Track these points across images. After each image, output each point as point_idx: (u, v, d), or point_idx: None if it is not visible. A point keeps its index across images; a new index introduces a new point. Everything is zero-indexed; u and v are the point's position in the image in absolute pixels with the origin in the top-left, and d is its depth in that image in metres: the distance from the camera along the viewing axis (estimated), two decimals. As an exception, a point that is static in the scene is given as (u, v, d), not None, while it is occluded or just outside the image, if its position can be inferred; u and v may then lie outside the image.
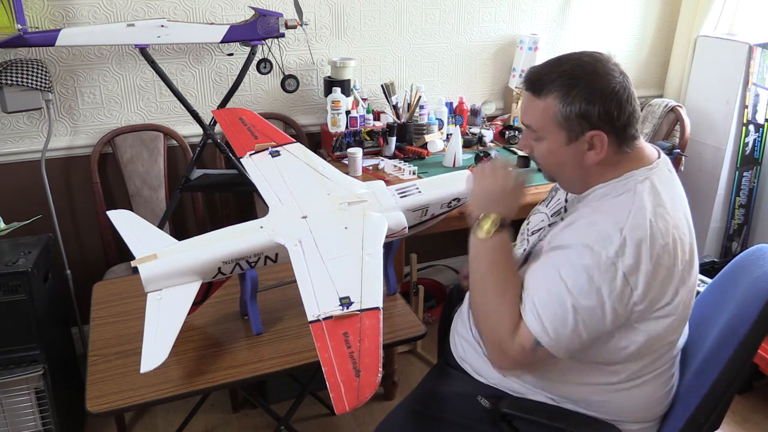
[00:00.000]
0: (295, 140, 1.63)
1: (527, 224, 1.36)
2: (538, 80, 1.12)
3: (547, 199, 1.39)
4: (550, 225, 1.26)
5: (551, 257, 1.12)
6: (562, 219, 1.22)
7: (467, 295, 1.46)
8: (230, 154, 2.21)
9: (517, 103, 2.72)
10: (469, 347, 1.33)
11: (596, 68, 1.10)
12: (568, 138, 1.11)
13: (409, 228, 1.44)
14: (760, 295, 1.17)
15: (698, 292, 1.34)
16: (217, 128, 2.23)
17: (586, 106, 1.08)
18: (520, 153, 2.41)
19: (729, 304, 1.27)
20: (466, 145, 2.49)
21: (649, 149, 1.18)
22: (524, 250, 1.27)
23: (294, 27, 2.14)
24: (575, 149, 1.12)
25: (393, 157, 2.40)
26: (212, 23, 2.14)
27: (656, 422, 1.26)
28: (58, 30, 1.89)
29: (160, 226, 2.18)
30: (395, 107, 2.47)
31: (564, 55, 1.15)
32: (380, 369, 1.06)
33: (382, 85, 2.45)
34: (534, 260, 1.18)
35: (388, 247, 1.49)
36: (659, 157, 1.17)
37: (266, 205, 1.44)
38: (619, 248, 1.04)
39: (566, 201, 1.28)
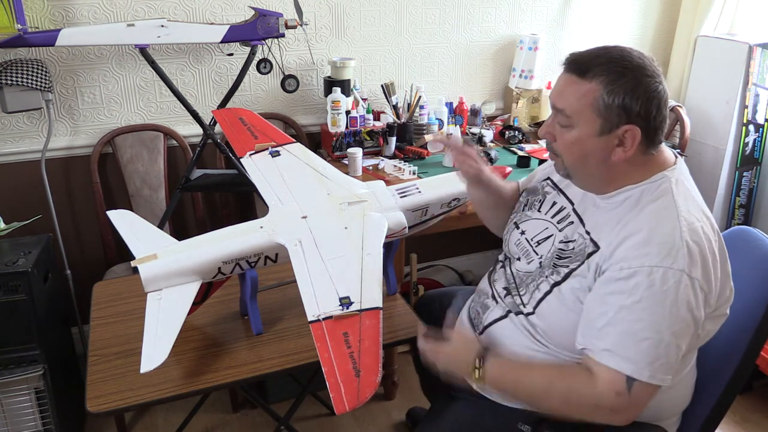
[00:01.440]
0: (295, 140, 1.63)
1: (522, 234, 1.30)
2: (585, 62, 1.07)
3: (534, 204, 1.33)
4: (561, 230, 1.20)
5: (617, 295, 1.05)
6: (586, 229, 1.15)
7: (464, 311, 1.42)
8: (230, 154, 2.21)
9: (517, 103, 2.72)
10: None
11: (644, 64, 1.06)
12: (602, 128, 1.07)
13: (409, 228, 1.44)
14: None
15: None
16: (217, 128, 2.23)
17: (630, 99, 1.04)
18: (520, 153, 2.41)
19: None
20: (466, 145, 2.49)
21: (668, 151, 1.16)
22: (540, 264, 1.21)
23: (294, 27, 2.14)
24: (605, 143, 1.08)
25: (393, 157, 2.40)
26: (212, 23, 2.14)
27: (681, 414, 1.28)
28: (58, 30, 1.89)
29: (160, 226, 2.18)
30: (395, 107, 2.47)
31: (608, 45, 1.10)
32: (380, 369, 1.06)
33: (382, 85, 2.45)
34: (580, 288, 1.12)
35: (388, 247, 1.49)
36: (676, 156, 1.17)
37: (266, 205, 1.44)
38: (688, 257, 1.02)
39: (572, 203, 1.23)
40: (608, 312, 1.05)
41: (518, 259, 1.29)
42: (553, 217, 1.25)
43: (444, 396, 1.40)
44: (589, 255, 1.12)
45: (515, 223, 1.35)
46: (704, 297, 1.05)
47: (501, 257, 1.38)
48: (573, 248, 1.16)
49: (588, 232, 1.15)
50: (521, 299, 1.23)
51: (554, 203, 1.27)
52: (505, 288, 1.28)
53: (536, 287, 1.20)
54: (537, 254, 1.24)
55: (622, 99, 1.04)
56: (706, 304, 1.06)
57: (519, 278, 1.26)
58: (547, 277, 1.19)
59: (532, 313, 1.19)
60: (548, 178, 1.34)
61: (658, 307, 1.02)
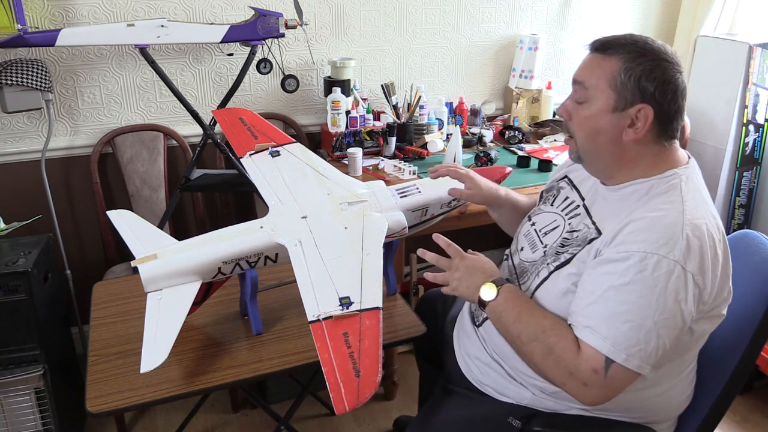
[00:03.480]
0: (295, 140, 1.63)
1: (532, 225, 1.32)
2: (608, 42, 1.11)
3: (548, 200, 1.34)
4: (569, 221, 1.22)
5: (608, 275, 1.05)
6: (592, 220, 1.17)
7: (466, 306, 1.44)
8: (230, 154, 2.21)
9: (517, 103, 2.72)
10: (488, 369, 1.29)
11: (666, 52, 1.09)
12: (616, 104, 1.09)
13: (409, 228, 1.44)
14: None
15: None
16: (217, 128, 2.23)
17: (646, 78, 1.07)
18: (520, 153, 2.41)
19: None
20: (466, 145, 2.49)
21: (681, 151, 1.17)
22: (544, 252, 1.23)
23: (294, 27, 2.14)
24: (617, 120, 1.10)
25: (393, 157, 2.40)
26: (212, 23, 2.14)
27: (677, 418, 1.28)
28: (58, 30, 1.89)
29: (160, 226, 2.18)
30: (395, 107, 2.47)
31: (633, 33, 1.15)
32: (380, 369, 1.05)
33: (382, 85, 2.45)
34: (577, 273, 1.12)
35: (388, 247, 1.49)
36: (689, 158, 1.18)
37: (266, 205, 1.44)
38: (685, 249, 1.02)
39: (582, 198, 1.24)
40: (596, 291, 1.06)
41: (522, 249, 1.31)
42: (563, 210, 1.27)
43: (441, 390, 1.41)
44: (591, 241, 1.13)
45: (528, 216, 1.37)
46: (698, 293, 1.04)
47: (506, 252, 1.39)
48: (577, 236, 1.18)
49: (594, 222, 1.17)
50: (520, 288, 1.24)
51: (566, 198, 1.29)
52: (507, 279, 1.29)
53: (536, 274, 1.21)
54: (542, 244, 1.25)
55: (639, 77, 1.07)
56: (700, 301, 1.05)
57: (521, 268, 1.27)
58: (548, 264, 1.20)
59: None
60: (566, 176, 1.35)
61: (646, 292, 1.02)
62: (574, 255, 1.15)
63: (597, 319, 1.05)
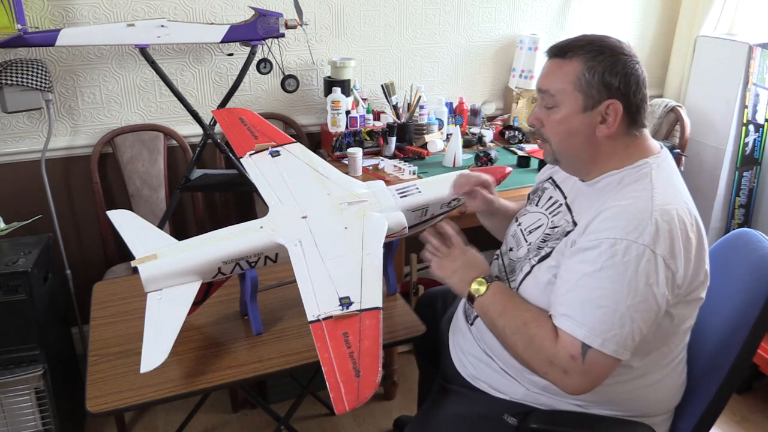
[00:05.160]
0: (295, 140, 1.63)
1: (518, 226, 1.34)
2: (565, 46, 1.14)
3: (533, 200, 1.37)
4: (550, 218, 1.25)
5: (582, 263, 1.08)
6: (572, 215, 1.19)
7: (461, 305, 1.45)
8: (230, 154, 2.21)
9: (517, 103, 2.72)
10: (481, 364, 1.30)
11: (622, 47, 1.13)
12: (585, 104, 1.12)
13: (409, 228, 1.44)
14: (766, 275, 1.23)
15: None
16: (217, 128, 2.23)
17: (609, 74, 1.10)
18: (520, 153, 2.41)
19: (728, 288, 1.30)
20: (466, 145, 2.49)
21: (653, 141, 1.20)
22: (527, 249, 1.26)
23: (294, 27, 2.14)
24: (589, 119, 1.12)
25: (393, 157, 2.40)
26: (212, 23, 2.14)
27: (672, 413, 1.28)
28: (58, 30, 1.89)
29: (160, 226, 2.18)
30: (395, 107, 2.47)
31: (587, 33, 1.18)
32: (380, 369, 1.06)
33: (382, 85, 2.45)
34: (556, 265, 1.15)
35: (388, 247, 1.49)
36: (662, 147, 1.20)
37: (266, 205, 1.44)
38: (654, 234, 1.04)
39: (565, 197, 1.27)
40: (572, 279, 1.09)
41: (511, 249, 1.33)
42: (547, 209, 1.30)
43: (438, 389, 1.42)
44: (568, 233, 1.16)
45: (516, 217, 1.40)
46: (671, 276, 1.06)
47: (497, 253, 1.41)
48: (557, 231, 1.20)
49: (573, 217, 1.20)
50: (509, 285, 1.27)
51: (550, 197, 1.31)
52: (497, 277, 1.31)
53: (521, 269, 1.24)
54: (527, 242, 1.28)
55: (602, 74, 1.10)
56: (673, 284, 1.07)
57: (510, 267, 1.30)
58: (530, 259, 1.23)
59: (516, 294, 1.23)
60: (550, 177, 1.37)
61: (618, 277, 1.04)
62: (554, 248, 1.18)
63: (573, 306, 1.07)
